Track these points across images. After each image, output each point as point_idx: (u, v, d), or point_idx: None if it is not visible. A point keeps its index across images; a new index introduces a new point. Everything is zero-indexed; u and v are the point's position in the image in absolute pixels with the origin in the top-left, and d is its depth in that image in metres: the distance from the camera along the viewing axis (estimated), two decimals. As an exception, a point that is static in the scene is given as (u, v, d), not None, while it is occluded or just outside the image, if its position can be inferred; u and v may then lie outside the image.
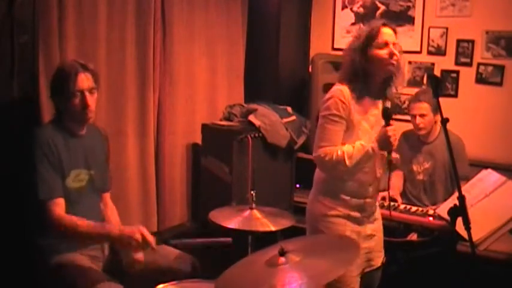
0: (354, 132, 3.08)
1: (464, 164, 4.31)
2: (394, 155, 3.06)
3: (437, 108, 4.13)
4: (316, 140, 3.11)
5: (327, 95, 3.13)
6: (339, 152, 3.01)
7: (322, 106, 3.13)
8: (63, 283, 2.98)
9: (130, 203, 4.43)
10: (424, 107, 4.24)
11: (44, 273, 3.10)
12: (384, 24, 3.08)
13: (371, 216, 3.29)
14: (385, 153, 3.05)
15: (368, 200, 3.23)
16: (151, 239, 2.96)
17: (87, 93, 3.09)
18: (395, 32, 3.11)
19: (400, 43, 3.12)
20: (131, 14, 4.35)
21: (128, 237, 2.92)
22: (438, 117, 4.28)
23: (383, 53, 3.03)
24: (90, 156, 3.24)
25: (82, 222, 2.96)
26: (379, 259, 3.35)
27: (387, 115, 3.02)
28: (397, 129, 3.03)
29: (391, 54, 3.03)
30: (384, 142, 2.99)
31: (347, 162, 2.98)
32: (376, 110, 3.18)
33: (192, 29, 4.98)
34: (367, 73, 3.08)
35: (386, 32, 3.06)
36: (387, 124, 3.01)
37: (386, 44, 3.04)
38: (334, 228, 3.19)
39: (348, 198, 3.18)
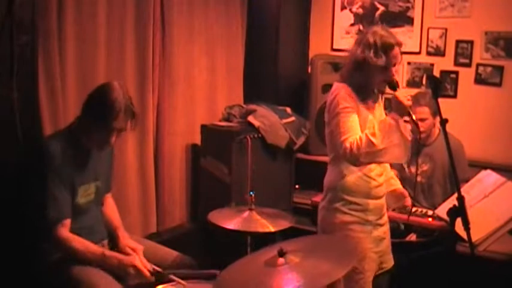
0: (362, 127, 3.07)
1: (464, 167, 4.31)
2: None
3: (436, 111, 4.14)
4: (336, 138, 3.04)
5: (331, 94, 3.13)
6: (362, 136, 2.96)
7: (329, 107, 3.12)
8: (64, 281, 2.99)
9: (129, 204, 4.42)
10: (424, 111, 4.24)
11: (44, 271, 3.11)
12: (397, 45, 3.06)
13: (382, 218, 3.32)
14: (407, 120, 3.04)
15: (381, 201, 3.27)
16: (146, 271, 2.99)
17: (118, 133, 3.08)
18: (401, 46, 3.11)
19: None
20: (130, 15, 4.35)
21: (125, 267, 3.00)
22: (437, 120, 4.29)
23: (383, 73, 3.07)
24: (98, 167, 3.24)
25: (84, 248, 3.01)
26: (390, 261, 3.39)
27: (393, 85, 3.05)
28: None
29: (392, 75, 3.07)
30: (398, 106, 2.99)
31: (374, 141, 2.91)
32: (379, 107, 3.25)
33: (192, 29, 4.97)
34: (366, 83, 3.13)
35: (395, 54, 3.06)
36: (394, 91, 3.04)
37: (390, 66, 3.06)
38: (353, 235, 3.18)
39: (364, 200, 3.19)
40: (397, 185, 3.48)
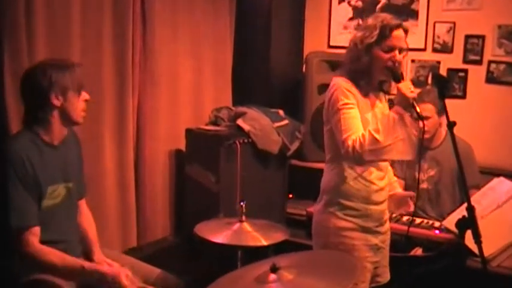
0: (364, 124, 3.06)
1: (474, 172, 4.31)
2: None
3: (442, 110, 4.16)
4: (337, 136, 3.06)
5: (330, 89, 3.14)
6: (365, 133, 2.96)
7: (328, 103, 3.13)
8: None
9: (107, 216, 4.41)
10: (428, 109, 4.22)
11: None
12: (399, 26, 3.07)
13: (383, 226, 3.31)
14: (411, 114, 3.03)
15: (381, 206, 3.26)
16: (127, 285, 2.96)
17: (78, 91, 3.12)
18: (407, 32, 3.12)
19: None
20: (108, 8, 4.34)
21: (108, 283, 2.95)
22: (443, 120, 4.24)
23: (386, 57, 3.07)
24: (68, 167, 3.19)
25: (59, 260, 2.96)
26: (386, 275, 3.38)
27: (396, 76, 3.05)
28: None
29: (393, 62, 3.06)
30: (402, 98, 2.99)
31: (378, 138, 2.92)
32: (380, 103, 3.25)
33: (175, 24, 4.97)
34: (368, 70, 3.12)
35: (398, 36, 3.07)
36: (398, 82, 3.04)
37: (392, 49, 3.06)
38: (348, 243, 3.19)
39: (362, 205, 3.19)
40: (398, 188, 3.49)
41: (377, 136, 2.92)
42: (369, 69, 3.11)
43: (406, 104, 2.98)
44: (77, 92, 3.09)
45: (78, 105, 3.11)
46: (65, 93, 3.03)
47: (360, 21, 5.62)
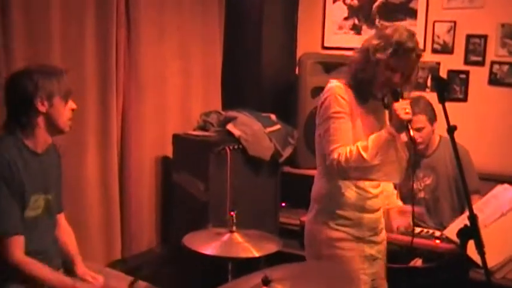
0: (358, 135, 3.07)
1: (473, 177, 4.32)
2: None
3: (433, 117, 4.20)
4: (325, 146, 3.05)
5: (323, 94, 3.12)
6: (353, 148, 2.96)
7: (320, 109, 3.12)
8: None
9: (89, 227, 4.40)
10: (420, 120, 4.23)
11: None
12: (412, 51, 3.00)
13: (378, 235, 3.30)
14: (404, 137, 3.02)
15: (376, 215, 3.26)
16: None
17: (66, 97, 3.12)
18: (419, 57, 3.06)
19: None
20: (90, 7, 4.33)
21: None
22: (436, 126, 4.33)
23: (386, 75, 3.04)
24: (48, 177, 3.20)
25: (42, 273, 2.97)
26: (383, 287, 3.37)
27: (395, 95, 3.03)
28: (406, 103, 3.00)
29: (393, 83, 3.04)
30: (396, 119, 2.97)
31: (365, 156, 2.91)
32: (378, 116, 3.24)
33: (162, 25, 4.98)
34: (369, 80, 3.10)
35: (408, 60, 3.02)
36: (395, 101, 3.02)
37: (395, 70, 3.03)
38: (341, 254, 3.17)
39: (355, 214, 3.18)
40: (398, 202, 3.53)
41: (364, 154, 2.92)
42: (369, 80, 3.09)
43: (400, 125, 2.96)
44: (64, 99, 3.09)
45: (65, 113, 3.11)
46: (51, 99, 3.03)
47: (356, 21, 5.64)
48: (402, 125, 2.96)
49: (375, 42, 3.04)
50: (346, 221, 3.17)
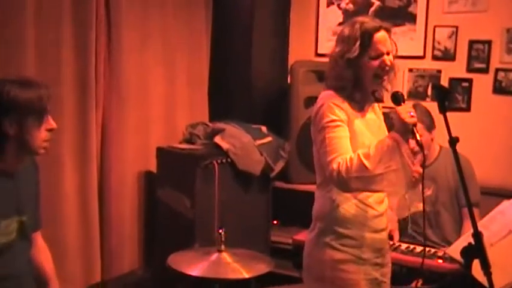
0: (356, 142, 3.06)
1: (476, 189, 4.34)
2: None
3: (431, 125, 4.24)
4: (323, 159, 3.02)
5: (317, 103, 3.12)
6: (353, 157, 2.92)
7: (314, 120, 3.11)
8: None
9: (67, 247, 4.38)
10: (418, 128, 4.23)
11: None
12: (378, 29, 3.06)
13: (384, 257, 3.29)
14: (410, 143, 3.00)
15: (381, 235, 3.24)
16: None
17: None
18: (390, 32, 3.11)
19: (397, 45, 3.15)
20: (67, 12, 4.33)
21: None
22: (434, 134, 4.35)
23: (374, 65, 3.06)
24: (23, 198, 3.14)
25: None
26: None
27: (397, 98, 3.03)
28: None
29: (383, 67, 3.06)
30: (400, 124, 2.95)
31: (368, 164, 2.87)
32: (374, 116, 3.25)
33: (145, 32, 4.99)
34: (357, 83, 3.11)
35: (380, 39, 3.05)
36: (398, 105, 3.02)
37: (379, 55, 3.05)
38: (345, 277, 3.15)
39: (359, 234, 3.16)
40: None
41: (366, 162, 2.88)
42: (358, 81, 3.10)
43: (404, 130, 2.95)
44: (38, 119, 2.96)
45: (39, 135, 2.97)
46: (22, 121, 2.91)
47: (347, 28, 5.62)
48: (407, 130, 2.94)
49: (338, 48, 3.09)
50: (350, 241, 3.15)
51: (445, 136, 2.76)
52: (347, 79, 3.07)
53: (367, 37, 3.02)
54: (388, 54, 3.06)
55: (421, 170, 3.07)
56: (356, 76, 3.08)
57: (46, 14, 4.19)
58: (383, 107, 3.37)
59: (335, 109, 3.03)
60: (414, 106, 4.17)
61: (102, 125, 4.69)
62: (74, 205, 4.46)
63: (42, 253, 3.37)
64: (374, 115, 3.25)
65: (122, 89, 4.80)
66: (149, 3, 4.99)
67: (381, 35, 3.05)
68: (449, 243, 4.23)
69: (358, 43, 3.02)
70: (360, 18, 3.10)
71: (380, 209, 3.22)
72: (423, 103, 4.70)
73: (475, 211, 4.07)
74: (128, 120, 4.87)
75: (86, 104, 4.47)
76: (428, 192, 4.41)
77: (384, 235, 3.28)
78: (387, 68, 3.06)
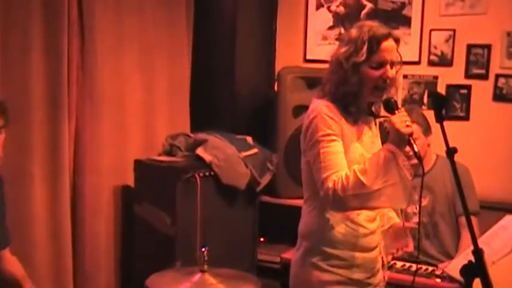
0: (348, 157, 3.04)
1: (474, 198, 4.37)
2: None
3: (428, 129, 4.32)
4: (316, 175, 3.00)
5: (308, 115, 3.10)
6: (349, 174, 2.91)
7: (305, 132, 3.09)
8: None
9: (36, 270, 4.34)
10: (414, 130, 4.21)
11: None
12: (388, 36, 3.05)
13: (375, 276, 3.27)
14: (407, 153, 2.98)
15: (372, 254, 3.22)
16: None
17: None
18: (398, 42, 3.11)
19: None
20: (36, 14, 4.32)
21: None
22: (430, 140, 4.38)
23: (376, 75, 3.04)
24: None
25: None
26: None
27: (390, 106, 3.01)
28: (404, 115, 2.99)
29: (385, 79, 3.04)
30: (395, 134, 2.94)
31: (365, 181, 2.86)
32: (369, 131, 3.23)
33: (121, 36, 4.99)
34: (356, 93, 3.09)
35: (387, 48, 3.04)
36: (392, 113, 3.00)
37: (382, 64, 3.04)
38: None
39: (349, 253, 3.15)
40: (395, 218, 3.44)
41: (363, 178, 2.87)
42: (355, 93, 3.08)
43: (400, 141, 2.94)
44: None
45: None
46: None
47: (342, 30, 5.66)
48: (403, 140, 2.93)
49: (344, 49, 3.07)
50: (339, 262, 3.14)
51: (442, 146, 2.74)
52: (351, 84, 3.05)
53: (374, 43, 3.01)
54: (392, 65, 3.04)
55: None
56: (357, 86, 3.05)
57: (12, 15, 4.19)
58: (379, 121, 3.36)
59: (329, 122, 3.01)
60: (409, 110, 4.19)
61: (75, 136, 4.68)
62: (44, 222, 4.43)
63: (10, 264, 3.44)
64: (369, 130, 3.23)
65: (97, 96, 4.78)
66: (125, 4, 4.98)
67: (388, 43, 3.04)
68: (449, 255, 4.31)
69: (366, 47, 3.01)
70: (368, 23, 3.10)
71: (371, 227, 3.21)
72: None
73: (474, 220, 4.07)
74: (103, 130, 4.85)
75: (57, 113, 4.45)
76: (424, 203, 4.43)
77: (375, 253, 3.26)
78: (388, 81, 3.04)
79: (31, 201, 4.34)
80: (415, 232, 3.93)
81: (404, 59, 4.57)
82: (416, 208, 4.40)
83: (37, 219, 4.37)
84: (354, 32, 3.07)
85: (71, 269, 4.60)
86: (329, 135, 2.99)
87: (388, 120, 3.01)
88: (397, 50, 3.09)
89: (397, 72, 3.10)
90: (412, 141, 2.93)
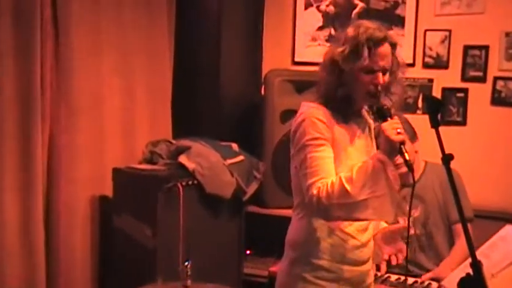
0: (341, 164, 3.03)
1: (467, 204, 4.35)
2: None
3: (413, 135, 4.33)
4: (302, 181, 3.00)
5: (296, 118, 3.10)
6: (335, 181, 2.89)
7: (294, 137, 3.09)
8: None
9: (7, 285, 4.32)
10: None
11: None
12: (384, 41, 3.03)
13: None
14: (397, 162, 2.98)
15: (363, 267, 3.22)
16: None
17: None
18: (395, 47, 3.10)
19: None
20: (6, 13, 4.29)
21: None
22: (417, 146, 4.39)
23: (366, 80, 3.03)
24: None
25: None
26: None
27: (382, 113, 3.00)
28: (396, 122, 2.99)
29: (376, 84, 3.03)
30: (386, 142, 2.93)
31: (350, 190, 2.84)
32: (363, 134, 3.22)
33: (98, 36, 4.97)
34: (346, 95, 3.09)
35: (382, 53, 3.03)
36: (384, 121, 2.99)
37: (374, 70, 3.03)
38: None
39: (337, 266, 3.13)
40: (383, 224, 3.45)
41: (348, 187, 2.86)
42: (347, 97, 3.08)
43: (391, 150, 2.93)
44: None
45: None
46: None
47: (333, 31, 5.69)
48: (394, 149, 2.91)
49: (340, 49, 3.05)
50: (326, 274, 3.13)
51: (437, 153, 2.71)
52: (348, 86, 3.05)
53: (371, 45, 2.99)
54: (384, 72, 3.03)
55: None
56: (348, 89, 3.05)
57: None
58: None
59: (319, 125, 3.01)
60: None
61: (48, 143, 4.65)
62: (16, 236, 4.41)
63: None
64: (363, 135, 3.23)
65: (72, 101, 4.76)
66: (103, 4, 4.96)
67: (383, 49, 3.03)
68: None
69: (365, 47, 2.99)
70: (365, 23, 3.08)
71: (363, 238, 3.20)
72: (414, 116, 4.71)
73: (469, 226, 4.07)
74: (80, 137, 4.82)
75: (29, 118, 4.42)
76: (415, 214, 4.46)
77: (367, 267, 3.26)
78: (379, 87, 3.02)
79: (1, 213, 4.31)
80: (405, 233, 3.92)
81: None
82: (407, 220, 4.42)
83: (8, 233, 4.34)
84: (350, 30, 3.06)
85: (44, 285, 4.56)
86: (317, 139, 2.99)
87: (379, 128, 2.99)
88: (394, 55, 3.08)
89: (395, 72, 3.10)
90: (403, 150, 2.92)
